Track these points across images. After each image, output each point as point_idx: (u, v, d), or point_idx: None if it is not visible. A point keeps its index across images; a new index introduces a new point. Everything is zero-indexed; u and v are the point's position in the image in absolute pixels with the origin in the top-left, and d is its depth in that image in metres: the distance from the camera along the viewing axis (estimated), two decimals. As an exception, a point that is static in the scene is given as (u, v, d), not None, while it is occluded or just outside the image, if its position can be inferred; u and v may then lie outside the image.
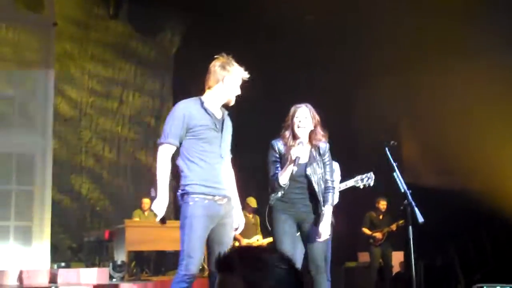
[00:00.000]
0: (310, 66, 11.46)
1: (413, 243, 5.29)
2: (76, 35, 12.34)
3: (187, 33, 13.41)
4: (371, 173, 6.19)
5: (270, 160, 5.09)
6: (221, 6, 11.82)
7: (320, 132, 5.08)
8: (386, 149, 5.63)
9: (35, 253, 9.77)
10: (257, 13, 10.98)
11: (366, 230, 10.47)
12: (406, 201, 5.32)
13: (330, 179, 5.09)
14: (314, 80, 11.38)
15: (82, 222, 11.85)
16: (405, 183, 5.37)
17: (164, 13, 13.02)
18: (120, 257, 9.36)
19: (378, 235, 10.35)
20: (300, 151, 4.86)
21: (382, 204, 10.39)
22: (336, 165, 6.03)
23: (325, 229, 4.93)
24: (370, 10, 9.79)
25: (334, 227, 5.16)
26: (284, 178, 4.93)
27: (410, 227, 5.29)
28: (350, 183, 6.22)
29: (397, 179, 5.44)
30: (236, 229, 4.53)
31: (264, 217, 5.76)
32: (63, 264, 9.55)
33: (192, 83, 13.10)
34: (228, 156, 4.51)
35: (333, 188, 5.12)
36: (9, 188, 10.10)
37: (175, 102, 4.82)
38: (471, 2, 8.90)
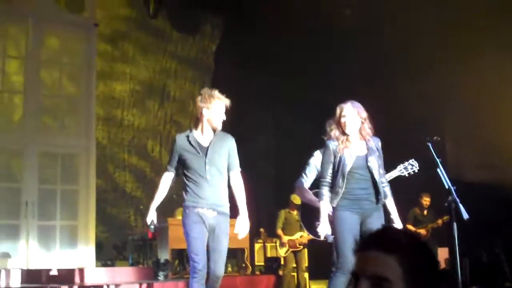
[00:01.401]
0: (350, 59, 11.36)
1: (458, 240, 5.22)
2: (117, 35, 12.47)
3: (226, 31, 13.46)
4: (413, 160, 6.06)
5: (326, 161, 5.20)
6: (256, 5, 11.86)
7: (367, 127, 5.16)
8: (430, 144, 5.56)
9: (80, 252, 9.91)
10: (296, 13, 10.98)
11: (410, 227, 10.34)
12: (450, 197, 5.25)
13: (385, 173, 5.25)
14: (357, 74, 11.27)
15: (126, 220, 11.99)
16: (449, 179, 5.30)
17: (203, 12, 13.10)
18: (164, 255, 9.44)
19: (422, 231, 10.23)
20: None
21: (426, 200, 10.28)
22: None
23: (398, 221, 5.20)
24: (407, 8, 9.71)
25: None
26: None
27: (455, 224, 5.23)
28: (394, 173, 6.07)
29: (441, 175, 5.38)
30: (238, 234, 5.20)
31: (306, 213, 5.74)
32: (108, 262, 9.67)
33: (231, 82, 13.23)
34: (229, 170, 5.30)
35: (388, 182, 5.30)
36: (55, 188, 10.26)
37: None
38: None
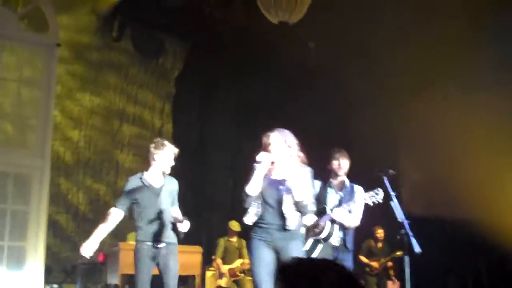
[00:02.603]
0: (308, 93, 11.48)
1: (410, 274, 5.23)
2: (78, 56, 12.36)
3: (188, 58, 13.46)
4: (380, 189, 6.01)
5: None
6: (221, 34, 11.92)
7: (295, 155, 5.08)
8: (384, 177, 5.60)
9: (28, 274, 9.66)
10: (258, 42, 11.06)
11: (363, 258, 10.38)
12: (403, 230, 5.28)
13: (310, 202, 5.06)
14: (312, 107, 11.37)
15: (76, 243, 11.75)
16: (403, 212, 5.33)
17: (166, 37, 13.09)
18: (113, 280, 9.25)
19: (375, 264, 10.26)
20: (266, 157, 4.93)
21: (379, 233, 10.34)
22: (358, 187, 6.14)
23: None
24: (369, 39, 9.85)
25: None
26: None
27: (406, 258, 5.25)
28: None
29: (394, 208, 5.40)
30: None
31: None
32: (55, 286, 9.44)
33: (191, 108, 13.19)
34: (173, 209, 5.98)
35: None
36: (5, 207, 10.03)
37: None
38: (474, 35, 8.94)
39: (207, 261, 10.26)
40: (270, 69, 11.85)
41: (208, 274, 10.54)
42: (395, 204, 5.44)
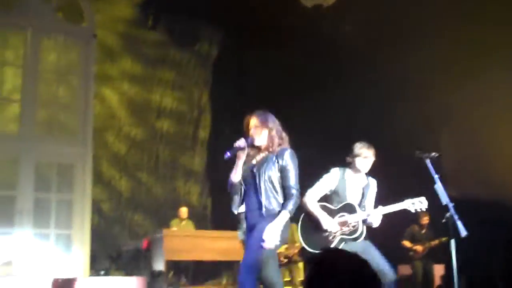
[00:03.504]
0: (343, 78, 11.41)
1: (455, 257, 5.21)
2: (115, 46, 12.49)
3: (225, 43, 13.49)
4: (424, 198, 5.75)
5: None
6: (256, 18, 11.90)
7: (275, 137, 4.87)
8: (428, 161, 5.56)
9: (74, 261, 9.88)
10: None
11: (406, 243, 10.35)
12: (448, 213, 5.25)
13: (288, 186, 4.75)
14: (349, 93, 11.30)
15: (121, 231, 11.97)
16: (448, 196, 5.29)
17: (201, 24, 13.13)
18: (158, 266, 9.42)
19: (419, 248, 10.24)
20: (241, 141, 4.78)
21: (424, 220, 10.25)
22: (373, 181, 5.99)
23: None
24: (408, 21, 9.76)
25: None
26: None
27: (452, 241, 5.22)
28: (401, 206, 5.76)
29: (439, 192, 5.37)
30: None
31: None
32: (102, 272, 9.64)
33: (229, 92, 13.22)
34: None
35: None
36: (50, 197, 10.24)
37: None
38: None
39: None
40: (305, 52, 11.82)
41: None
42: (439, 187, 5.39)
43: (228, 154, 4.76)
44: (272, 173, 4.74)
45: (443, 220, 5.27)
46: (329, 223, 5.59)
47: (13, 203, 9.91)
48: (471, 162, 9.96)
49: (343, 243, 5.65)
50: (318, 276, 1.99)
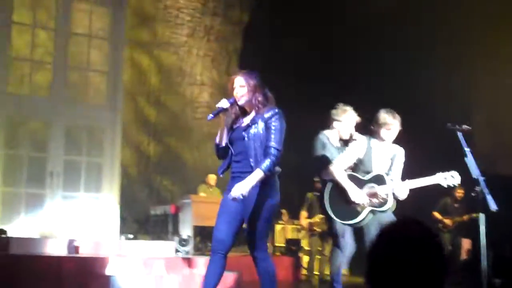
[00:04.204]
0: (371, 47, 11.24)
1: (484, 232, 5.14)
2: (147, 11, 12.48)
3: (256, 10, 13.39)
4: (456, 172, 5.58)
5: None
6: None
7: (258, 96, 4.69)
8: (459, 133, 5.45)
9: (104, 224, 10.01)
10: None
11: (436, 214, 10.28)
12: (478, 187, 5.17)
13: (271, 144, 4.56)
14: (377, 61, 11.14)
15: (149, 195, 12.09)
16: (479, 170, 5.21)
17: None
18: (185, 231, 9.50)
19: (448, 221, 10.16)
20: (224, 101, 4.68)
21: (459, 192, 10.09)
22: (400, 150, 5.87)
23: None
24: None
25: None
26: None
27: (482, 215, 5.15)
28: (432, 180, 5.58)
29: (470, 165, 5.28)
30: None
31: None
32: (130, 236, 9.76)
33: (259, 60, 13.12)
34: None
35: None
36: (80, 160, 10.37)
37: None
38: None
39: (276, 215, 10.35)
40: (335, 19, 11.67)
41: (278, 227, 10.68)
42: (469, 160, 5.29)
43: (211, 115, 4.70)
44: (261, 134, 4.60)
45: (473, 194, 5.20)
46: (357, 195, 5.53)
47: (44, 165, 10.05)
48: (504, 137, 9.82)
49: (372, 214, 5.61)
50: (387, 245, 1.94)
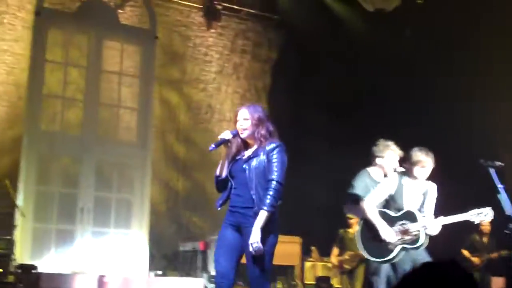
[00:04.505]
0: (405, 82, 11.23)
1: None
2: (177, 48, 12.66)
3: (284, 47, 13.50)
4: (490, 208, 5.49)
5: None
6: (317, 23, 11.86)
7: (262, 130, 4.64)
8: (491, 170, 5.41)
9: (133, 260, 10.04)
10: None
11: (465, 252, 10.08)
12: (511, 224, 5.10)
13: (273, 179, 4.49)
14: (410, 98, 11.10)
15: (177, 231, 12.08)
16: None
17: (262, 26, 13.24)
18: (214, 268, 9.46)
19: (476, 260, 9.93)
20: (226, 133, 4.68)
21: (485, 227, 9.89)
22: (432, 186, 5.82)
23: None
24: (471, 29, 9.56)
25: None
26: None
27: (515, 254, 5.08)
28: (464, 217, 5.52)
29: (503, 202, 5.23)
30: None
31: None
32: (159, 272, 9.76)
33: (286, 96, 13.15)
34: None
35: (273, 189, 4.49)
36: (110, 196, 10.46)
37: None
38: None
39: (305, 252, 10.30)
40: (366, 57, 11.71)
41: (307, 265, 10.59)
42: (503, 197, 5.25)
43: (213, 146, 4.68)
44: (263, 167, 4.54)
45: (506, 231, 5.13)
46: (388, 233, 5.49)
47: (75, 201, 10.17)
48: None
49: (404, 251, 5.55)
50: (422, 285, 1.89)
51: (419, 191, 5.74)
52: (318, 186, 11.84)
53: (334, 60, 12.12)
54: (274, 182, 4.47)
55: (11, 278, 8.27)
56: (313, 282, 10.71)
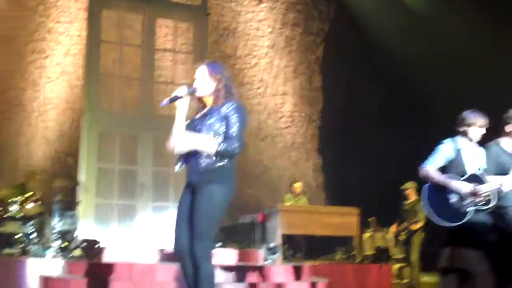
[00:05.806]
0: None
1: None
2: (228, 24, 12.70)
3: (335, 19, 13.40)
4: None
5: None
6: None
7: (222, 89, 4.42)
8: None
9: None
10: None
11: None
12: None
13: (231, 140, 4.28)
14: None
15: (237, 203, 12.18)
16: None
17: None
18: (272, 239, 9.53)
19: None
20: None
21: None
22: (483, 150, 5.67)
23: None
24: None
25: None
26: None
27: None
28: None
29: None
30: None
31: None
32: (218, 244, 9.87)
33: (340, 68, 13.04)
34: None
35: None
36: (168, 170, 10.60)
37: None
38: None
39: (364, 223, 10.26)
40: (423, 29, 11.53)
41: (366, 235, 10.56)
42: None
43: (164, 102, 4.38)
44: (216, 127, 4.31)
45: None
46: (461, 185, 5.27)
47: (134, 177, 10.39)
48: None
49: (477, 214, 5.35)
50: None
51: (476, 153, 5.60)
52: (373, 159, 11.81)
53: (388, 32, 11.97)
54: (231, 139, 4.25)
55: (76, 252, 8.51)
56: (372, 252, 10.69)
